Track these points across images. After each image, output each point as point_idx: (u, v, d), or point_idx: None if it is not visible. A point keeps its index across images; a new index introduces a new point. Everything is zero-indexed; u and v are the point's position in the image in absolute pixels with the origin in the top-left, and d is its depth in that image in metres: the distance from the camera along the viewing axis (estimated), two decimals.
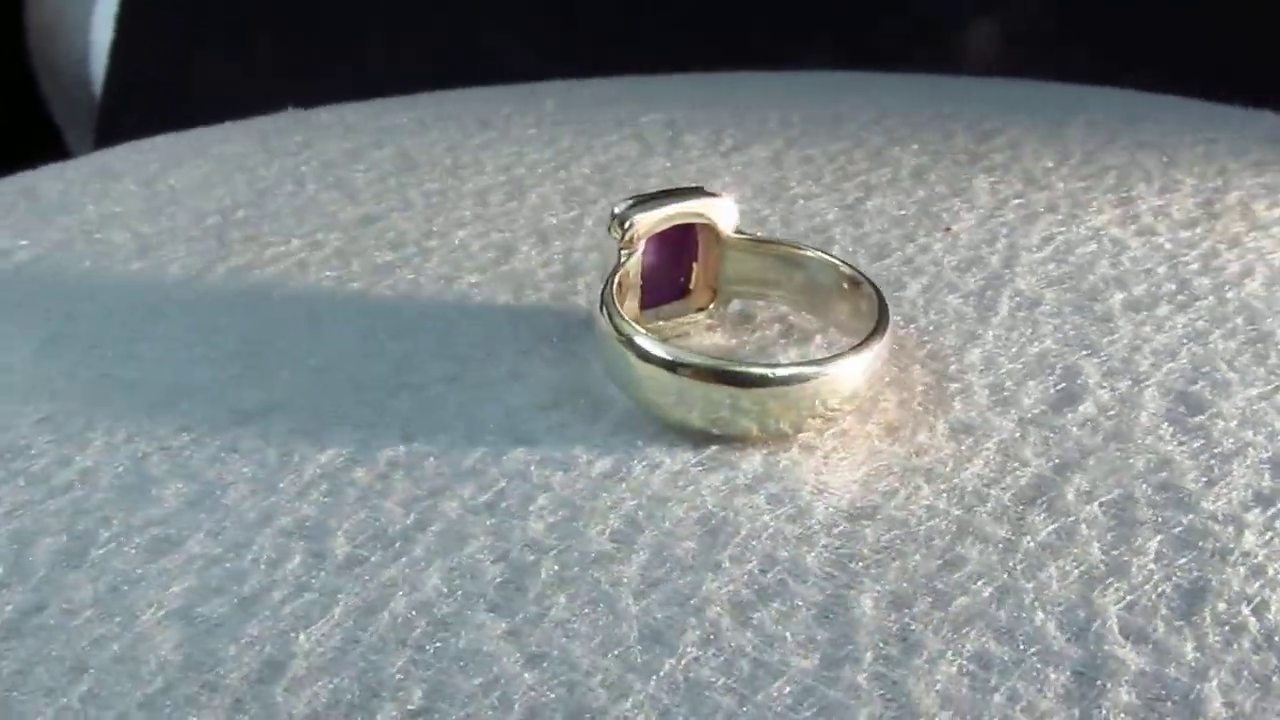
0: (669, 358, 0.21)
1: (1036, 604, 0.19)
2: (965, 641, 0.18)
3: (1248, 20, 0.42)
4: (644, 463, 0.21)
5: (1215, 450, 0.22)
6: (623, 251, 0.23)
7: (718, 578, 0.19)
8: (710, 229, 0.25)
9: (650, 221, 0.23)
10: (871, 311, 0.23)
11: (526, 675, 0.18)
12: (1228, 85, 0.40)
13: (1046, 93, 0.40)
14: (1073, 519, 0.20)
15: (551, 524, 0.20)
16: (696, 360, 0.22)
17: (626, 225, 0.23)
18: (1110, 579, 0.19)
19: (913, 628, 0.18)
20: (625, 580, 0.19)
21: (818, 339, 0.25)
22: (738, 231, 0.25)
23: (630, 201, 0.23)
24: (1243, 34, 0.43)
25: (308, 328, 0.26)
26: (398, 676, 0.18)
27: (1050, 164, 0.32)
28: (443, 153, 0.34)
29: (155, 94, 0.58)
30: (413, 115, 0.38)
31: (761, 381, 0.21)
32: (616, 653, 0.18)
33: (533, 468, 0.21)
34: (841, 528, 0.20)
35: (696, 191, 0.24)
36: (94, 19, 0.63)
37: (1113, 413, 0.23)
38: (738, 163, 0.33)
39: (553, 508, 0.21)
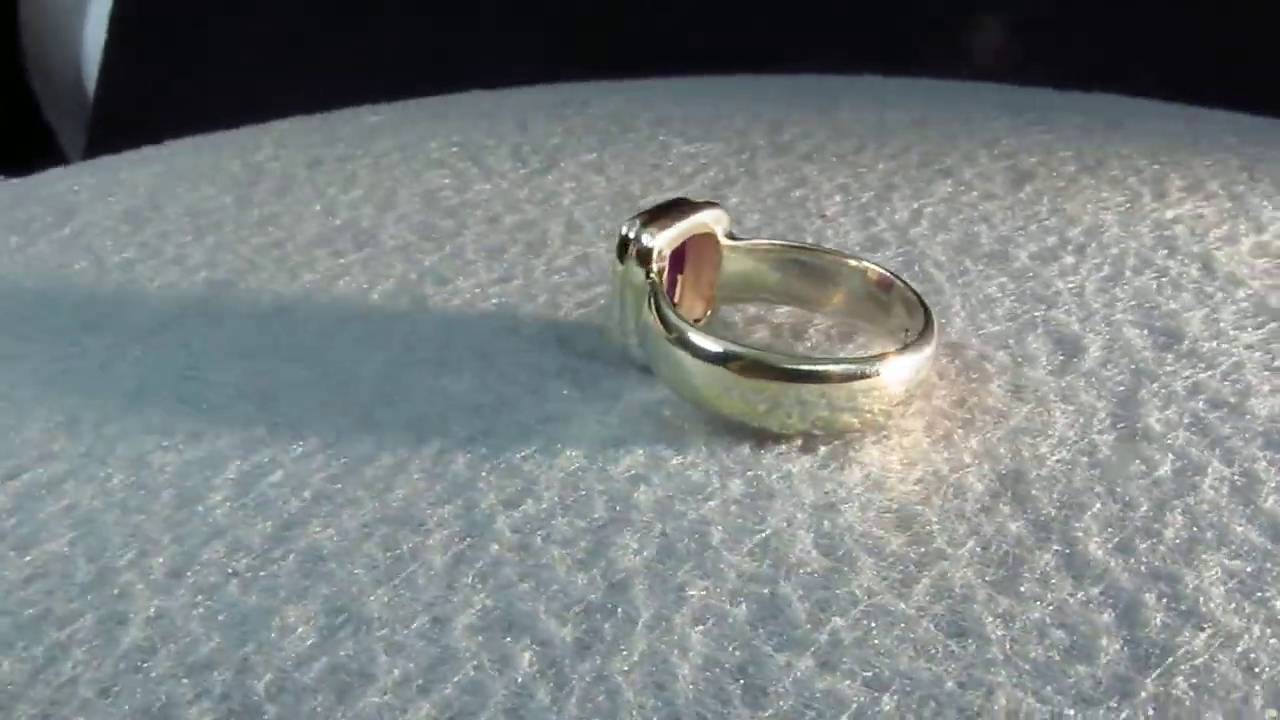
0: (723, 351, 0.21)
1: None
2: None
3: (1248, 20, 0.42)
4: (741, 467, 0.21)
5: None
6: (651, 272, 0.23)
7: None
8: (709, 238, 0.24)
9: (666, 240, 0.23)
10: (897, 308, 0.23)
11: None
12: (1227, 85, 0.40)
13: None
14: None
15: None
16: (757, 356, 0.21)
17: (651, 253, 0.22)
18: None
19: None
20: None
21: (859, 339, 0.25)
22: (730, 237, 0.25)
23: (638, 223, 0.23)
24: (1242, 34, 0.43)
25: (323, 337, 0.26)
26: None
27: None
28: (454, 157, 0.34)
29: (148, 94, 0.58)
30: (418, 117, 0.38)
31: (825, 377, 0.21)
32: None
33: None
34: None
35: (692, 203, 0.24)
36: (87, 19, 0.63)
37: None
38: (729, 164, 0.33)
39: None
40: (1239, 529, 0.20)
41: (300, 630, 0.18)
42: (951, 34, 0.46)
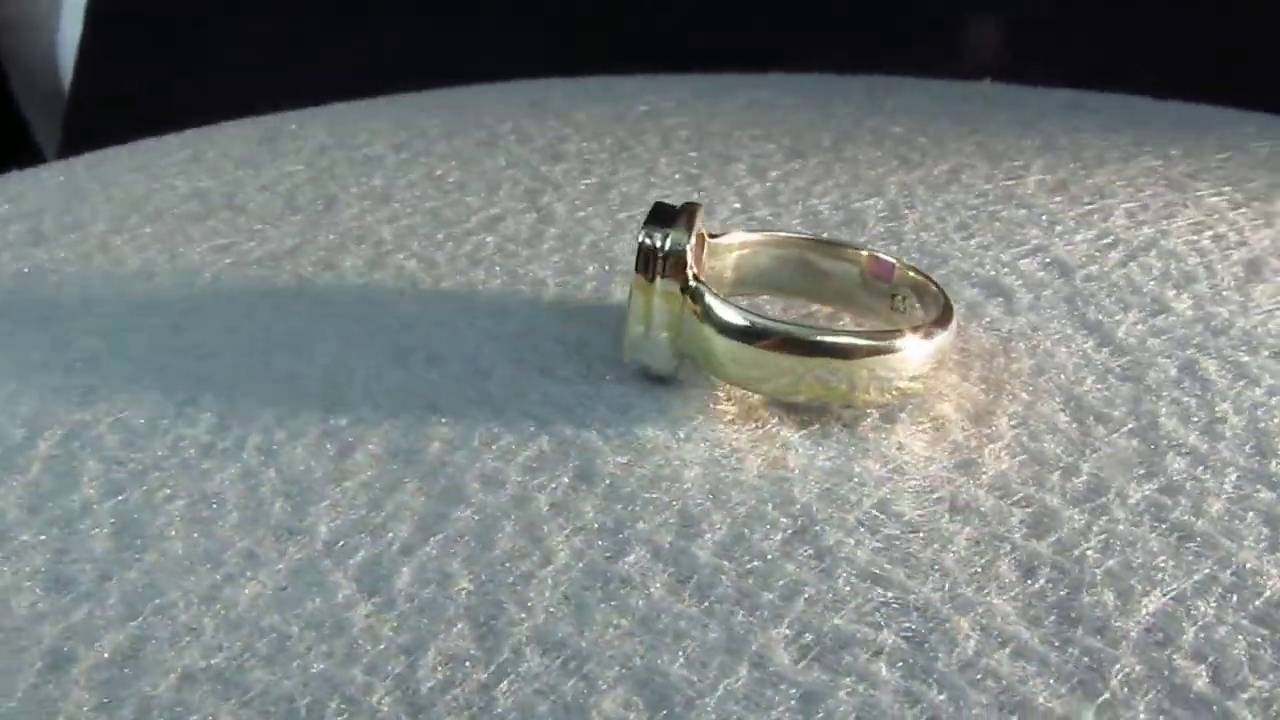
0: (750, 325, 0.21)
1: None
2: None
3: (1248, 20, 0.42)
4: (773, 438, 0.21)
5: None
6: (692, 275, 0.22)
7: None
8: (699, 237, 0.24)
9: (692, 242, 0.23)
10: (902, 294, 0.23)
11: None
12: (1227, 85, 0.40)
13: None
14: None
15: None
16: (782, 329, 0.21)
17: (686, 258, 0.22)
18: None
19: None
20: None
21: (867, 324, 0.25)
22: (711, 235, 0.24)
23: (659, 234, 0.22)
24: (1242, 34, 0.43)
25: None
26: None
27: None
28: (452, 150, 0.33)
29: (124, 89, 0.57)
30: (415, 112, 0.38)
31: (850, 351, 0.21)
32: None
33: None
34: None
35: (687, 205, 0.23)
36: (63, 14, 0.62)
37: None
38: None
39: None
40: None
41: None
42: (950, 34, 0.46)
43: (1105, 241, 0.28)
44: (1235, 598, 0.18)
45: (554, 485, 0.20)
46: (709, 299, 0.21)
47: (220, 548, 0.19)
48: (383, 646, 0.17)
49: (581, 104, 0.37)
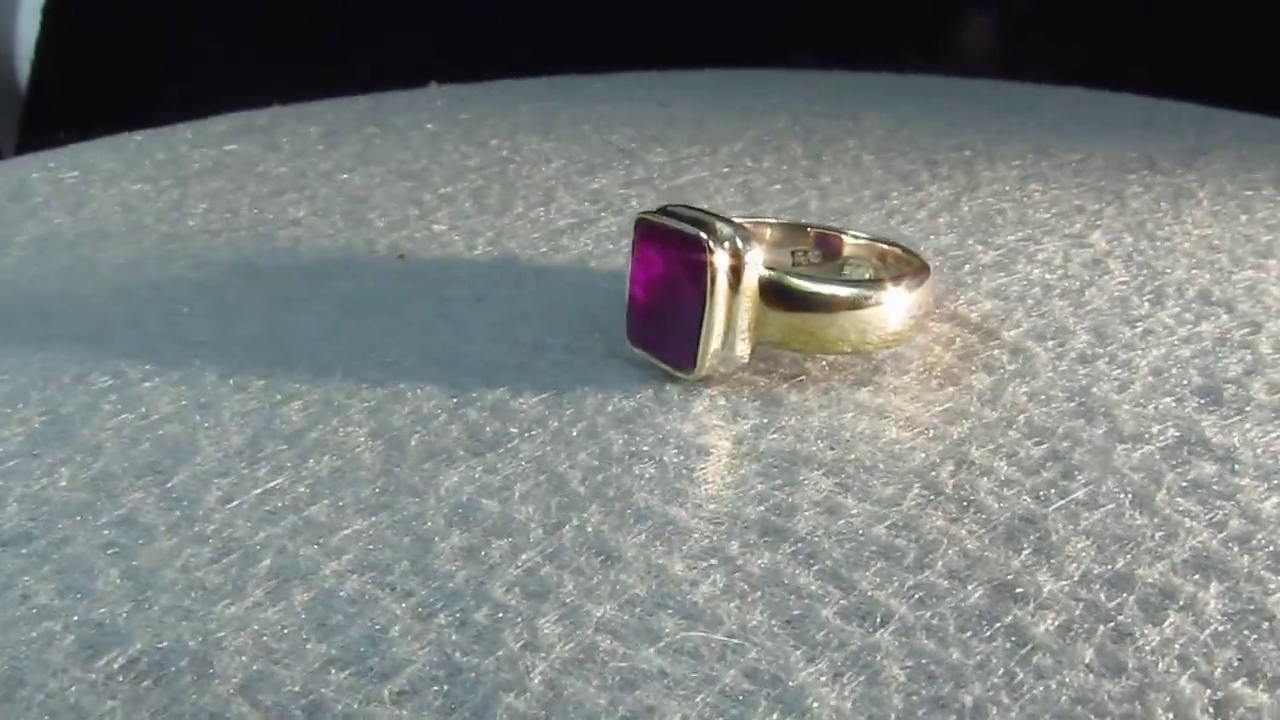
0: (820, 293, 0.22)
1: None
2: None
3: (1247, 20, 0.42)
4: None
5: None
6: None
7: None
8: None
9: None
10: (858, 261, 0.25)
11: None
12: (1226, 85, 0.39)
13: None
14: None
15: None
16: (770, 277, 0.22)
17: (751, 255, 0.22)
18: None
19: None
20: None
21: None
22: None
23: (729, 241, 0.21)
24: (1242, 34, 0.42)
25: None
26: None
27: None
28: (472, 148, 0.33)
29: (81, 87, 0.56)
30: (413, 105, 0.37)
31: (832, 303, 0.22)
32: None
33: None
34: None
35: (706, 208, 0.23)
36: (19, 11, 0.61)
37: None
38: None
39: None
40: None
41: None
42: (939, 32, 0.45)
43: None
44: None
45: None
46: (795, 281, 0.22)
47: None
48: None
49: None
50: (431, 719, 0.15)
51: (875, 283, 0.23)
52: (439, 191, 0.30)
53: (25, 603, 0.16)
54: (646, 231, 0.22)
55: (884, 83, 0.41)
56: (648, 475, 0.19)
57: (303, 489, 0.19)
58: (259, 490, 0.19)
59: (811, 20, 0.45)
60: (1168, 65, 0.41)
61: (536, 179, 0.31)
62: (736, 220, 0.22)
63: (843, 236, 0.26)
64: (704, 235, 0.21)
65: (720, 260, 0.21)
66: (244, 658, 0.15)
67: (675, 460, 0.20)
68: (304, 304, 0.25)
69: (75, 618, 0.16)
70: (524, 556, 0.17)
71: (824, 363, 0.23)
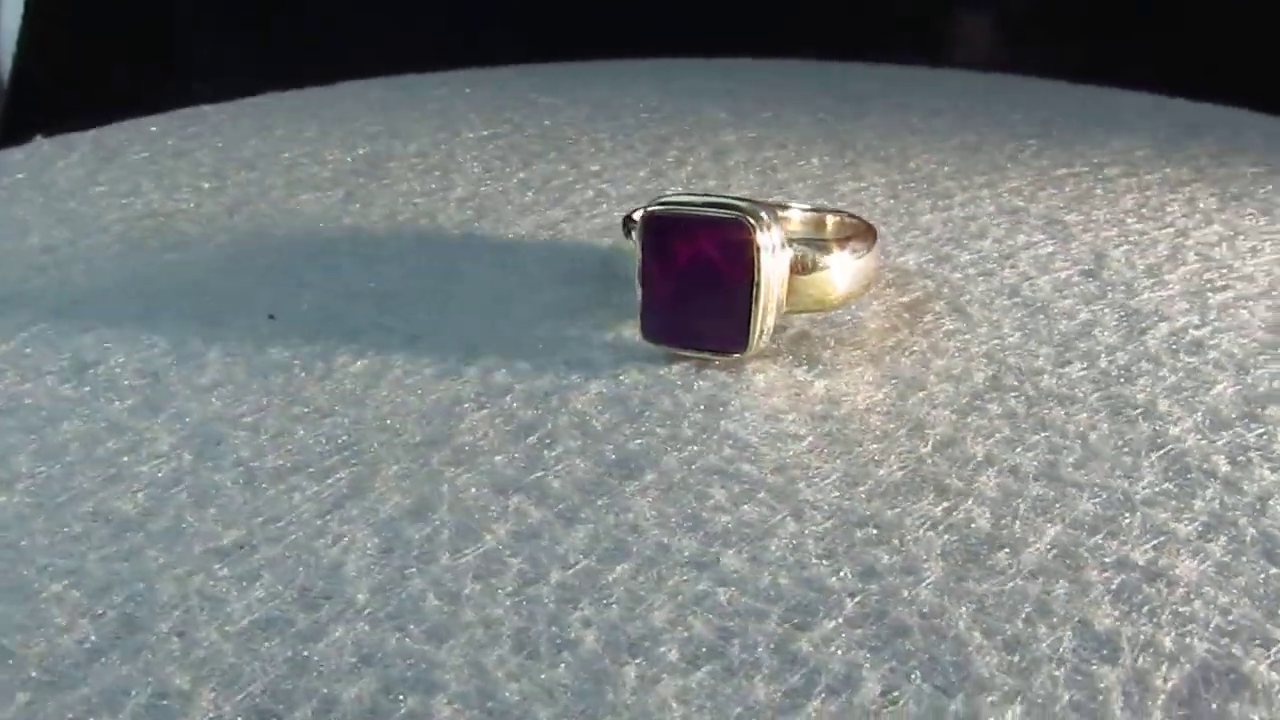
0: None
1: None
2: None
3: (1247, 20, 0.42)
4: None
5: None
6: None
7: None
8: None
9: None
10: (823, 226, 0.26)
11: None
12: (1225, 85, 0.39)
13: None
14: None
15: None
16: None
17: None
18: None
19: None
20: None
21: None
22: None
23: (755, 214, 0.22)
24: (1241, 34, 0.42)
25: None
26: None
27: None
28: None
29: (64, 78, 0.56)
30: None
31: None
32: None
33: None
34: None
35: (722, 194, 0.24)
36: (2, 4, 0.61)
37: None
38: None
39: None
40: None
41: None
42: (936, 27, 0.45)
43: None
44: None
45: None
46: (826, 256, 0.23)
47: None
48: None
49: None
50: None
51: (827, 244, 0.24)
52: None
53: None
54: (660, 225, 0.22)
55: (883, 74, 0.41)
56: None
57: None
58: None
59: (812, 20, 0.46)
60: (1168, 65, 0.41)
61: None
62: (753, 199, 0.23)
63: (790, 206, 0.27)
64: (747, 217, 0.21)
65: (764, 239, 0.22)
66: None
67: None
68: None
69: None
70: None
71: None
